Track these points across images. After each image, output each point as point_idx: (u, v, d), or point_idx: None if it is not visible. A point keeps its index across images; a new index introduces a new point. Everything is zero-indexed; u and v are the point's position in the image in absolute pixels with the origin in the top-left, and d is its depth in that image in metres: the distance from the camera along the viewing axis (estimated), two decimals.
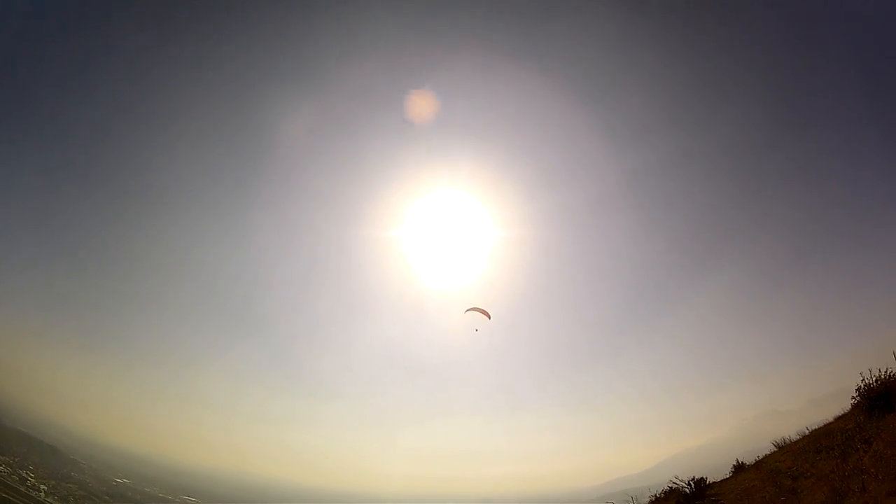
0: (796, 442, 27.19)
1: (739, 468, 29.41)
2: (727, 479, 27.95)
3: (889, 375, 23.66)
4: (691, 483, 25.04)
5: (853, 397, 24.49)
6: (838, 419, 26.25)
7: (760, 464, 27.48)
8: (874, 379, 23.66)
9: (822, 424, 27.13)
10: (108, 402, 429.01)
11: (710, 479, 27.56)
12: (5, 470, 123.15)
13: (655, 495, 27.14)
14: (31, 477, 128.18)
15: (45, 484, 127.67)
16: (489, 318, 45.37)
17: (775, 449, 28.66)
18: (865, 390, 23.71)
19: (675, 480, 25.47)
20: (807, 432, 27.31)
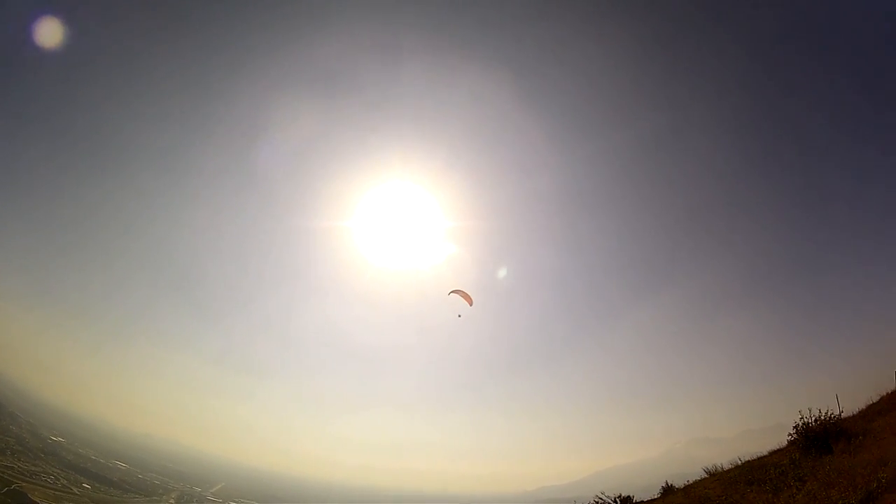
0: (728, 471, 27.21)
1: (668, 490, 29.37)
2: (654, 499, 27.85)
3: (829, 417, 23.89)
4: (617, 500, 24.83)
5: (790, 434, 24.62)
6: (773, 453, 26.46)
7: (689, 489, 27.42)
8: (814, 419, 23.85)
9: (755, 457, 27.31)
10: (55, 361, 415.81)
11: (637, 499, 27.54)
12: None
13: None
14: None
15: None
16: (471, 304, 44.20)
17: (706, 475, 28.67)
18: (804, 428, 23.86)
19: (600, 496, 25.20)
20: (739, 462, 27.45)
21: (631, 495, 25.29)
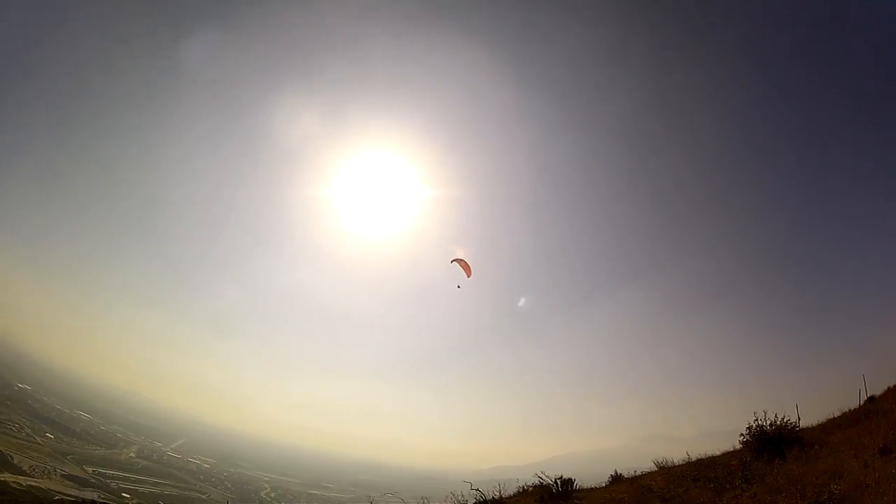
0: (677, 466, 26.68)
1: (616, 479, 28.89)
2: (600, 487, 27.31)
3: (784, 423, 23.07)
4: (558, 482, 24.01)
5: (742, 435, 23.83)
6: (725, 454, 25.79)
7: (636, 480, 26.89)
8: (769, 423, 23.06)
9: (707, 455, 26.62)
10: (25, 308, 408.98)
11: (584, 485, 26.86)
12: None
13: (523, 487, 26.14)
14: None
15: None
16: (469, 275, 42.43)
17: (655, 469, 28.14)
18: (757, 430, 23.07)
19: (541, 476, 24.32)
20: (689, 459, 26.72)
21: (572, 478, 24.51)
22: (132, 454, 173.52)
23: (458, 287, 43.55)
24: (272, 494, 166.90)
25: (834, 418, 27.91)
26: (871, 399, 29.45)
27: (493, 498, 22.18)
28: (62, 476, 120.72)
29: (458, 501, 23.13)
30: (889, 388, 29.75)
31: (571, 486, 24.12)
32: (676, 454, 28.59)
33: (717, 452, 27.05)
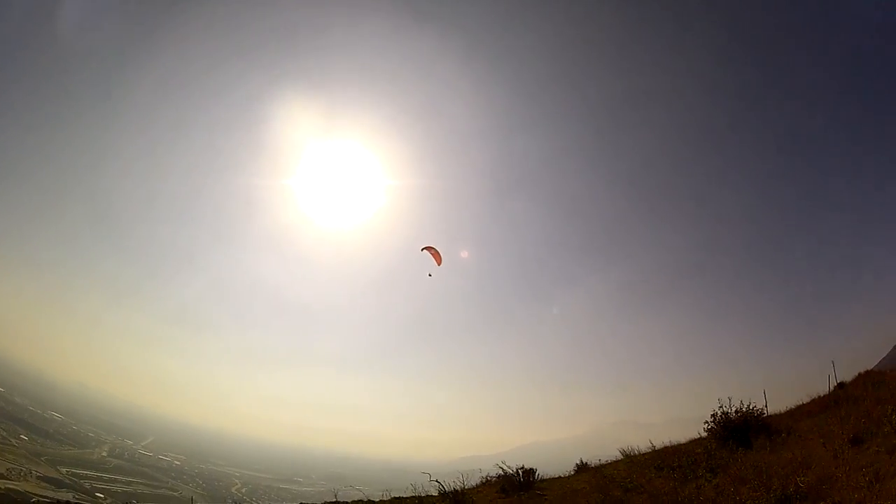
0: (642, 454, 25.85)
1: (581, 468, 28.19)
2: (563, 477, 26.57)
3: (750, 409, 22.44)
4: (519, 472, 23.23)
5: (707, 422, 23.14)
6: (690, 442, 25.01)
7: (600, 469, 26.14)
8: (734, 409, 22.42)
9: (672, 443, 25.93)
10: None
11: (549, 474, 26.37)
12: None
13: (486, 477, 25.29)
14: None
15: None
16: (439, 263, 41.27)
17: (621, 457, 27.44)
18: (723, 418, 22.40)
19: (503, 466, 23.48)
20: (654, 447, 26.00)
21: (534, 468, 23.84)
22: (104, 453, 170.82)
23: (430, 275, 42.60)
24: (243, 490, 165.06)
25: (803, 405, 27.35)
26: (840, 385, 29.04)
27: (455, 490, 21.21)
28: (38, 478, 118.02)
29: (418, 493, 22.31)
30: (859, 374, 29.38)
31: (533, 476, 23.45)
32: (646, 440, 27.87)
33: (684, 440, 26.45)
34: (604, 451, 31.49)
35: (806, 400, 27.71)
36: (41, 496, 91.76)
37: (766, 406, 24.12)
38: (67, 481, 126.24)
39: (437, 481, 20.61)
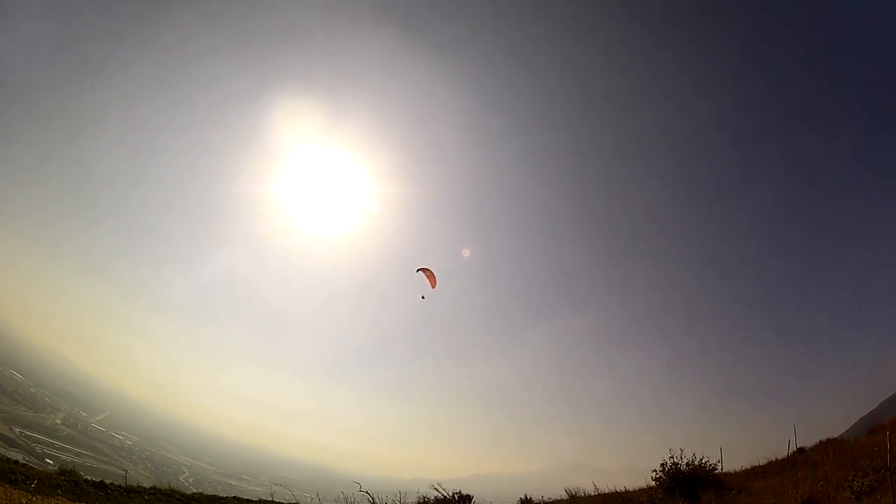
0: (587, 496, 24.94)
1: (525, 502, 27.53)
2: None
3: (703, 463, 21.67)
4: (455, 496, 22.37)
5: (655, 471, 22.33)
6: (638, 490, 24.16)
7: None
8: (686, 462, 21.66)
9: (619, 489, 25.09)
10: None
11: None
12: None
13: (423, 498, 24.42)
14: None
15: None
16: (433, 286, 40.22)
17: (566, 497, 26.61)
18: (672, 469, 21.60)
19: (438, 488, 22.59)
20: (599, 491, 25.15)
21: (471, 495, 23.11)
22: (58, 421, 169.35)
23: (423, 298, 41.56)
24: (190, 480, 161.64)
25: (759, 465, 26.64)
26: (800, 450, 28.29)
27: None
28: None
29: (348, 502, 21.43)
30: (821, 442, 28.63)
31: (469, 503, 22.68)
32: (598, 484, 27.08)
33: (632, 488, 25.64)
34: (554, 489, 30.51)
35: (763, 461, 27.04)
36: None
37: (720, 462, 23.24)
38: (20, 442, 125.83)
39: (366, 492, 19.71)
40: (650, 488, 22.87)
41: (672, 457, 21.64)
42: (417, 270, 40.46)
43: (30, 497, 15.69)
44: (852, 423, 56.98)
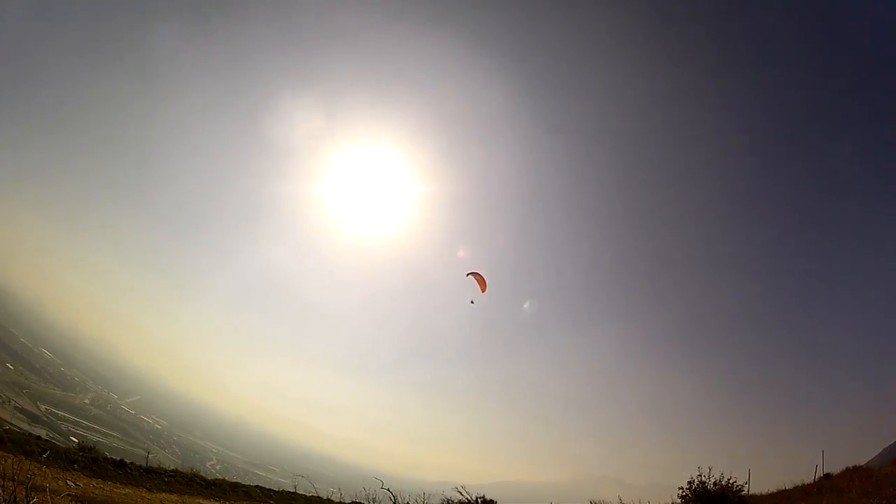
0: None
1: None
2: None
3: (730, 483, 21.44)
4: (479, 500, 22.50)
5: (682, 489, 22.13)
6: None
7: None
8: (713, 481, 21.41)
9: None
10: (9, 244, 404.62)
11: None
12: None
13: (447, 500, 24.61)
14: None
15: None
16: (483, 290, 40.16)
17: None
18: (699, 488, 21.40)
19: (461, 490, 22.70)
20: None
21: (495, 500, 23.14)
22: (87, 401, 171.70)
23: (472, 302, 41.40)
24: (217, 467, 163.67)
25: (785, 490, 26.35)
26: (826, 476, 27.78)
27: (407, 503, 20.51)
28: (15, 408, 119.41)
29: (368, 496, 21.66)
30: (847, 469, 28.06)
31: None
32: (624, 499, 26.85)
33: None
34: (579, 502, 30.39)
35: (789, 485, 26.54)
36: (13, 426, 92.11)
37: (747, 484, 22.94)
38: (45, 419, 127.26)
39: (388, 490, 19.90)
40: None
41: (700, 475, 21.43)
42: (467, 275, 40.26)
43: (42, 469, 15.96)
44: (879, 451, 55.27)
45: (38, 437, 22.61)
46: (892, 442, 61.89)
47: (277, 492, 27.27)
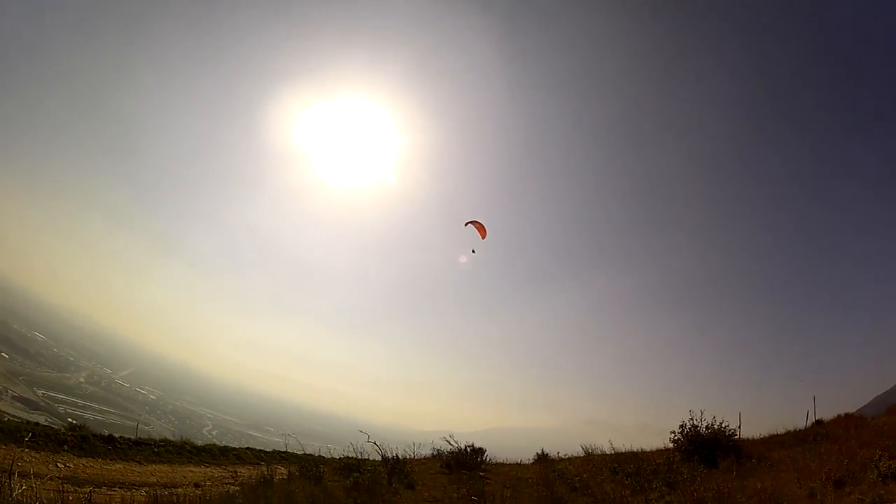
0: (602, 454, 24.76)
1: (541, 458, 27.62)
2: (516, 463, 26.00)
3: (722, 428, 21.17)
4: (467, 449, 22.23)
5: (674, 433, 21.88)
6: (654, 451, 23.77)
7: (557, 461, 25.45)
8: (705, 425, 21.15)
9: (636, 449, 24.72)
10: None
11: (508, 460, 26.52)
12: None
13: (436, 450, 24.41)
14: None
15: None
16: (483, 237, 39.42)
17: (582, 453, 26.36)
18: (691, 431, 21.14)
19: (449, 440, 22.33)
20: (615, 450, 24.76)
21: (483, 448, 23.20)
22: (81, 380, 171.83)
23: (473, 252, 41.07)
24: (214, 432, 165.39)
25: (777, 435, 26.00)
26: (818, 422, 27.81)
27: (395, 457, 19.99)
28: (13, 398, 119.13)
29: (357, 453, 21.21)
30: (840, 416, 28.05)
31: (481, 457, 22.54)
32: (614, 442, 26.76)
33: (649, 448, 25.24)
34: (571, 446, 30.35)
35: (781, 431, 26.41)
36: (13, 416, 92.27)
37: (739, 428, 22.75)
38: (42, 404, 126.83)
39: (374, 443, 19.46)
40: (667, 450, 22.50)
41: (692, 419, 21.16)
42: (466, 224, 39.66)
43: (28, 452, 15.55)
44: (867, 401, 56.28)
45: (37, 424, 22.28)
46: (883, 391, 63.36)
47: (269, 452, 27.16)
